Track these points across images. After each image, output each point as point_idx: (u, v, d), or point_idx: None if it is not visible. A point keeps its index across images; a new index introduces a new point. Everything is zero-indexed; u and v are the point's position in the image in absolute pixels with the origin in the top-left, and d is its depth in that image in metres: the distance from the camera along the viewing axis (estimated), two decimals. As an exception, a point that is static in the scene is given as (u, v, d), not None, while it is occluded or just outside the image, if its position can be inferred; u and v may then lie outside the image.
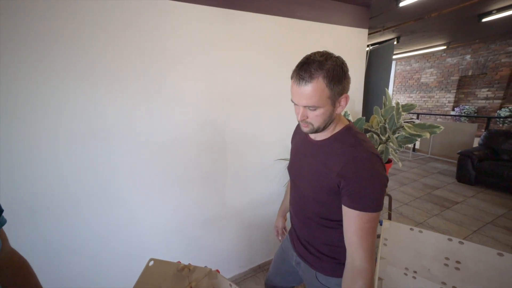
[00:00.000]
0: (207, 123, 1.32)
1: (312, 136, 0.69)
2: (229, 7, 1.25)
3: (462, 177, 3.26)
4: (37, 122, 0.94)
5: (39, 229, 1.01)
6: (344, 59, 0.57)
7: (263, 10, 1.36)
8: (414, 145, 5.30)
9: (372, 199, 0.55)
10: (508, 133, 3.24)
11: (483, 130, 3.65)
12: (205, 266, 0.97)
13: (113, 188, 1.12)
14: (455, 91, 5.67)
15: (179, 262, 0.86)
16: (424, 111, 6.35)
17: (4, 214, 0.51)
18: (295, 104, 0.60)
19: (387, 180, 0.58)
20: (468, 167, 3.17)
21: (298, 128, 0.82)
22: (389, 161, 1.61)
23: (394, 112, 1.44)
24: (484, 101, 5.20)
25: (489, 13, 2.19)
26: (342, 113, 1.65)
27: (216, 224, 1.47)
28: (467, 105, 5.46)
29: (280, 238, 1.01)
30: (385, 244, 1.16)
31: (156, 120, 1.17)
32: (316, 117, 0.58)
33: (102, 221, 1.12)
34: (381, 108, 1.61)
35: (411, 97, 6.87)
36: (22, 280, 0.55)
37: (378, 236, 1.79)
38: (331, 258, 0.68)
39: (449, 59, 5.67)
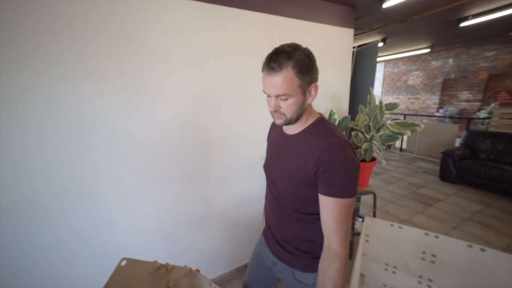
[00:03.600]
0: (189, 121, 1.29)
1: (287, 131, 0.69)
2: (212, 2, 1.23)
3: (444, 175, 3.38)
4: (10, 119, 0.89)
5: (14, 227, 0.95)
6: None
7: (247, 6, 1.34)
8: (402, 145, 5.46)
9: (347, 185, 0.56)
10: (485, 133, 3.39)
11: (464, 131, 3.81)
12: (185, 266, 0.94)
13: (90, 186, 1.08)
14: (439, 93, 5.89)
15: (155, 261, 0.83)
16: (412, 112, 6.56)
17: None
18: (267, 96, 0.60)
19: (359, 167, 0.60)
20: (450, 166, 3.29)
21: (273, 125, 0.82)
22: (374, 159, 1.64)
23: (377, 111, 1.46)
24: (465, 103, 5.43)
25: (466, 18, 2.29)
26: (328, 112, 1.67)
27: (199, 224, 1.44)
28: (450, 107, 5.68)
29: None
30: (367, 241, 1.17)
31: (136, 117, 1.14)
32: (288, 107, 0.59)
33: (78, 220, 1.07)
34: (366, 107, 1.63)
35: (399, 98, 7.08)
36: None
37: (358, 234, 1.79)
38: (308, 253, 0.68)
39: (433, 62, 5.88)
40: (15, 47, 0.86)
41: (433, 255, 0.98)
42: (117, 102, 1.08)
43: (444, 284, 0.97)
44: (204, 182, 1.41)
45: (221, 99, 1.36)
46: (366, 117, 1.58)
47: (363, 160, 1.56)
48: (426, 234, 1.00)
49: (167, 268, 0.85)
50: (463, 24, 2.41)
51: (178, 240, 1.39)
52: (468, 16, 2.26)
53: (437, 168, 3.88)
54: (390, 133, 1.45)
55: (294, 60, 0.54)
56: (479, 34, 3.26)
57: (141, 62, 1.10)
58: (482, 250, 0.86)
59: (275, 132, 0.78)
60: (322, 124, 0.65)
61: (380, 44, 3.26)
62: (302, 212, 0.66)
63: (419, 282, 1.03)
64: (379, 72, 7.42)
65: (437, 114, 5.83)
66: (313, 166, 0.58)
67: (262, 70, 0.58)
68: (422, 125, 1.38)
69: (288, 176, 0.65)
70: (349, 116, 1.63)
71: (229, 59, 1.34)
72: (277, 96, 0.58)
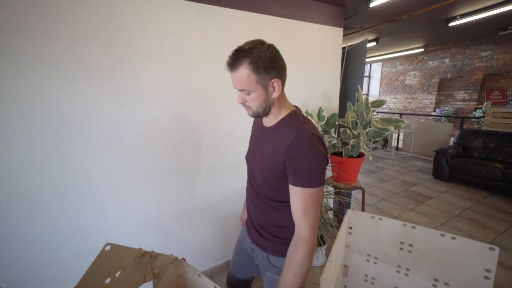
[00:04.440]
0: (179, 117, 1.33)
1: (265, 123, 0.73)
2: (201, 1, 1.27)
3: (437, 174, 3.42)
4: (10, 116, 0.93)
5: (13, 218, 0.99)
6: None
7: (236, 5, 1.38)
8: (398, 144, 5.50)
9: (312, 176, 0.60)
10: (478, 132, 3.43)
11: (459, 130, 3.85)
12: (171, 254, 0.98)
13: (84, 179, 1.11)
14: (436, 93, 5.93)
15: (140, 248, 0.86)
16: (409, 111, 6.59)
17: None
18: None
19: (327, 159, 0.63)
20: (443, 164, 3.33)
21: (255, 118, 0.86)
22: (362, 154, 1.67)
23: (363, 108, 1.50)
24: (461, 103, 5.47)
25: (455, 18, 2.33)
26: (317, 108, 1.71)
27: (190, 218, 1.48)
28: (446, 107, 5.72)
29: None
30: (350, 233, 1.21)
31: (126, 112, 1.17)
32: (252, 101, 0.64)
33: (72, 211, 1.11)
34: (354, 105, 1.67)
35: (397, 98, 7.12)
36: None
37: (341, 228, 1.82)
38: (281, 238, 0.72)
39: (430, 62, 5.92)
40: (16, 48, 0.90)
41: (410, 245, 1.02)
42: (108, 99, 1.12)
43: (420, 272, 1.01)
44: (194, 177, 1.44)
45: (211, 96, 1.40)
46: (354, 114, 1.61)
47: (351, 156, 1.60)
48: (404, 225, 1.03)
49: (151, 255, 0.88)
50: (451, 24, 2.44)
51: (169, 233, 1.42)
52: (456, 16, 2.29)
53: (431, 166, 3.91)
54: (376, 129, 1.49)
55: (250, 58, 0.58)
56: (470, 34, 3.30)
57: (133, 61, 1.13)
58: (453, 238, 0.90)
59: (256, 125, 0.82)
60: (294, 117, 0.68)
61: (373, 44, 3.30)
62: (275, 200, 0.70)
63: (398, 271, 1.07)
64: (377, 72, 7.46)
65: (433, 113, 5.87)
66: (281, 157, 0.62)
67: None
68: (406, 121, 1.42)
69: (263, 166, 0.69)
70: (337, 113, 1.67)
71: (218, 58, 1.37)
72: (240, 90, 0.63)
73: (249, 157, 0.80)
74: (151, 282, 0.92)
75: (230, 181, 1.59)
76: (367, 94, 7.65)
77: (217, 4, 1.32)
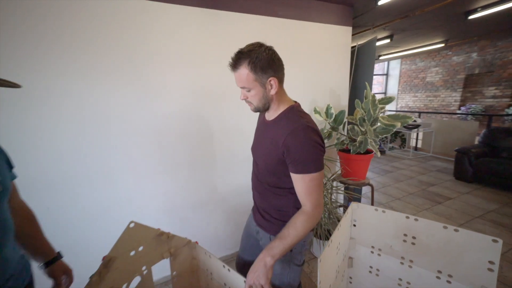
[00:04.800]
0: (193, 114, 1.45)
1: (267, 117, 0.81)
2: (213, 7, 1.38)
3: (459, 174, 3.23)
4: (38, 111, 1.11)
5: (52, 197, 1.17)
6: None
7: (245, 9, 1.47)
8: (416, 143, 5.25)
9: (309, 162, 0.66)
10: (509, 131, 3.19)
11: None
12: (185, 237, 1.09)
13: (106, 169, 1.27)
14: (461, 90, 5.57)
15: (159, 229, 0.98)
16: (430, 110, 6.26)
17: None
18: None
19: (322, 146, 0.69)
20: (465, 164, 3.15)
21: (260, 113, 0.94)
22: (370, 151, 1.68)
23: (370, 105, 1.52)
24: (491, 100, 5.09)
25: (475, 11, 2.21)
26: (325, 106, 1.75)
27: (204, 208, 1.60)
28: (474, 104, 5.35)
29: None
30: (354, 225, 1.25)
31: (145, 110, 1.31)
32: (252, 97, 0.72)
33: (101, 195, 1.27)
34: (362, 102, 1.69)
35: (417, 96, 6.78)
36: (28, 228, 0.69)
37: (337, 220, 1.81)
38: (281, 221, 0.79)
39: (454, 58, 5.58)
40: (66, 60, 1.08)
41: (414, 237, 1.03)
42: (132, 100, 1.26)
43: (423, 263, 1.02)
44: (207, 170, 1.56)
45: (222, 94, 1.51)
46: (362, 111, 1.63)
47: (359, 153, 1.62)
48: (407, 217, 1.05)
49: (168, 236, 1.00)
50: (472, 17, 2.32)
51: (184, 221, 1.55)
52: (476, 8, 2.18)
53: (452, 167, 3.71)
54: (384, 126, 1.50)
55: (249, 59, 0.66)
56: (493, 26, 3.08)
57: (149, 61, 1.27)
58: (456, 230, 0.91)
59: (260, 119, 0.90)
60: (292, 111, 0.74)
61: (387, 41, 3.22)
62: (276, 187, 0.78)
63: (401, 263, 1.09)
64: (395, 69, 7.17)
65: (458, 111, 5.52)
66: (280, 148, 0.69)
67: None
68: (413, 117, 1.41)
69: (265, 156, 0.77)
70: (345, 110, 1.70)
71: (227, 59, 1.48)
72: (242, 88, 0.71)
73: (254, 148, 0.88)
74: (168, 259, 1.03)
75: (239, 175, 1.68)
76: (384, 93, 7.37)
77: (226, 9, 1.42)
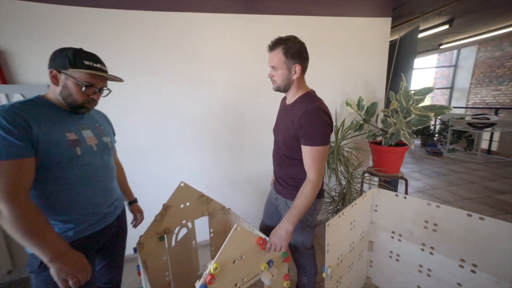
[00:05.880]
0: (231, 105, 1.70)
1: (286, 101, 0.98)
2: (251, 13, 1.58)
3: (545, 183, 2.61)
4: (121, 102, 1.53)
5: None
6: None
7: (280, 11, 1.62)
8: (490, 146, 4.36)
9: (316, 137, 0.79)
10: None
11: None
12: (220, 203, 1.35)
13: (166, 144, 1.63)
14: None
15: (201, 192, 1.26)
16: (517, 106, 4.99)
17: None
18: None
19: (330, 126, 0.82)
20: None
21: (282, 99, 1.11)
22: (404, 144, 1.63)
23: (402, 96, 1.50)
24: None
25: None
26: (357, 99, 1.78)
27: (236, 186, 1.83)
28: None
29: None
30: (375, 210, 1.28)
31: (194, 100, 1.62)
32: (277, 76, 0.86)
33: (161, 165, 1.67)
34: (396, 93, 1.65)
35: (500, 89, 5.39)
36: (120, 176, 1.05)
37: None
38: (294, 187, 0.94)
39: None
40: (150, 65, 1.48)
41: (435, 224, 1.03)
42: (185, 93, 1.61)
43: (445, 251, 1.01)
44: (240, 153, 1.80)
45: (257, 88, 1.71)
46: (397, 102, 1.61)
47: (390, 145, 1.60)
48: (429, 204, 1.06)
49: (207, 199, 1.27)
50: None
51: (223, 197, 1.83)
52: None
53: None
54: (417, 117, 1.46)
55: (284, 45, 0.82)
56: None
57: (199, 61, 1.55)
58: (481, 218, 0.89)
59: (282, 103, 1.08)
60: (308, 96, 0.88)
61: (445, 27, 2.81)
62: (291, 158, 0.93)
63: (422, 249, 1.09)
64: (469, 59, 5.93)
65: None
66: (295, 124, 0.83)
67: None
68: (452, 107, 1.33)
69: (283, 133, 0.94)
70: (377, 102, 1.69)
71: (263, 59, 1.68)
72: (272, 67, 0.86)
73: (275, 128, 1.05)
74: (207, 218, 1.31)
75: (268, 160, 1.87)
76: (451, 87, 6.28)
77: (262, 13, 1.59)
